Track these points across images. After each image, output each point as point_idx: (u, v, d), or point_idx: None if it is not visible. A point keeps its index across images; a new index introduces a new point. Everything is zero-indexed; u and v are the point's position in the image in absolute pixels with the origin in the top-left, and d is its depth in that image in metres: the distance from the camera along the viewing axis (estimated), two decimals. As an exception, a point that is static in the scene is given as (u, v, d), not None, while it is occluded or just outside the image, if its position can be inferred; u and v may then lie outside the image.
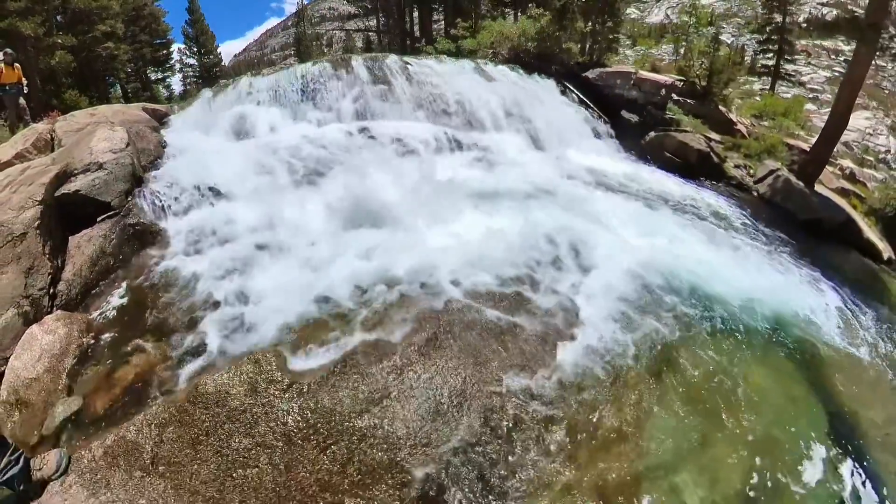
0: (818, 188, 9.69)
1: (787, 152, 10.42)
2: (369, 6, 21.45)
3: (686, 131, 8.48)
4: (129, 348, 3.22)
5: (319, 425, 2.55)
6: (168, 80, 28.44)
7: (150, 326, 3.43)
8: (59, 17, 16.78)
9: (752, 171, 9.73)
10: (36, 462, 2.22)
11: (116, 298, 3.80)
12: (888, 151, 21.37)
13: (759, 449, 2.77)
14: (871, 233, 8.25)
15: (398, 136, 6.39)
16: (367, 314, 3.29)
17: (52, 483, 2.21)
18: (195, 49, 28.11)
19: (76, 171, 4.67)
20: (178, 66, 28.30)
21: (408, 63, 7.93)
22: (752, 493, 2.53)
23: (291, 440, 2.49)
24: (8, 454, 2.10)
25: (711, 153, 8.06)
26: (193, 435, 2.48)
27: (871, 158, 19.15)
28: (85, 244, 4.17)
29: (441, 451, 2.48)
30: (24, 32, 13.25)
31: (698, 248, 4.76)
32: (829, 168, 12.15)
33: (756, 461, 2.70)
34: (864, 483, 2.73)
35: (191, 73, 28.75)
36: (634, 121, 8.87)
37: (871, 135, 22.60)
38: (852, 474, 2.77)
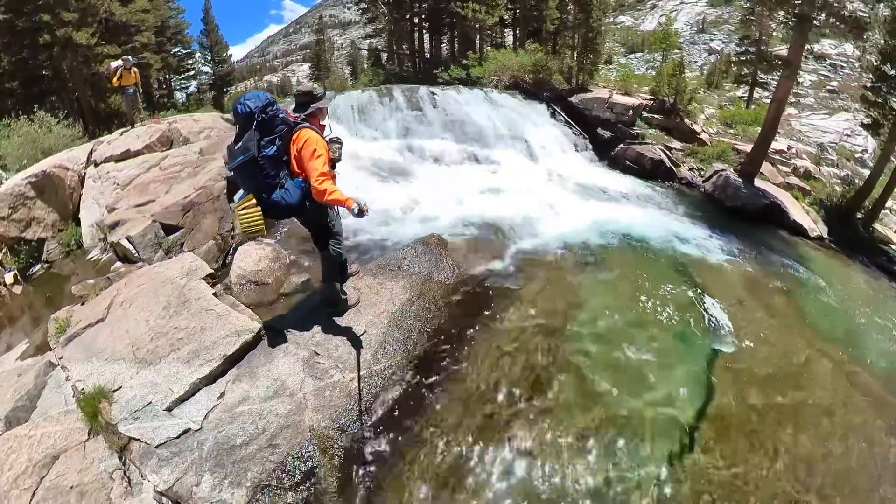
0: (760, 184, 12.49)
1: (735, 155, 13.42)
2: (381, 26, 24.60)
3: (646, 143, 11.46)
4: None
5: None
6: (187, 87, 31.34)
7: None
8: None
9: (703, 173, 12.75)
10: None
11: (281, 233, 6.16)
12: (864, 151, 24.17)
13: (643, 290, 5.31)
14: (799, 215, 10.62)
15: (433, 151, 9.37)
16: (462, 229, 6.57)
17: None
18: (209, 58, 30.55)
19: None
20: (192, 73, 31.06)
21: (434, 94, 11.02)
22: (634, 312, 4.89)
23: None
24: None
25: (665, 159, 11.03)
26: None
27: (834, 157, 22.11)
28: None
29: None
30: (78, 41, 14.74)
31: (623, 211, 8.00)
32: (780, 167, 15.25)
33: (641, 296, 5.14)
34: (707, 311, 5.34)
35: (205, 80, 30.93)
36: (607, 136, 11.62)
37: (849, 136, 25.32)
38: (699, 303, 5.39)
